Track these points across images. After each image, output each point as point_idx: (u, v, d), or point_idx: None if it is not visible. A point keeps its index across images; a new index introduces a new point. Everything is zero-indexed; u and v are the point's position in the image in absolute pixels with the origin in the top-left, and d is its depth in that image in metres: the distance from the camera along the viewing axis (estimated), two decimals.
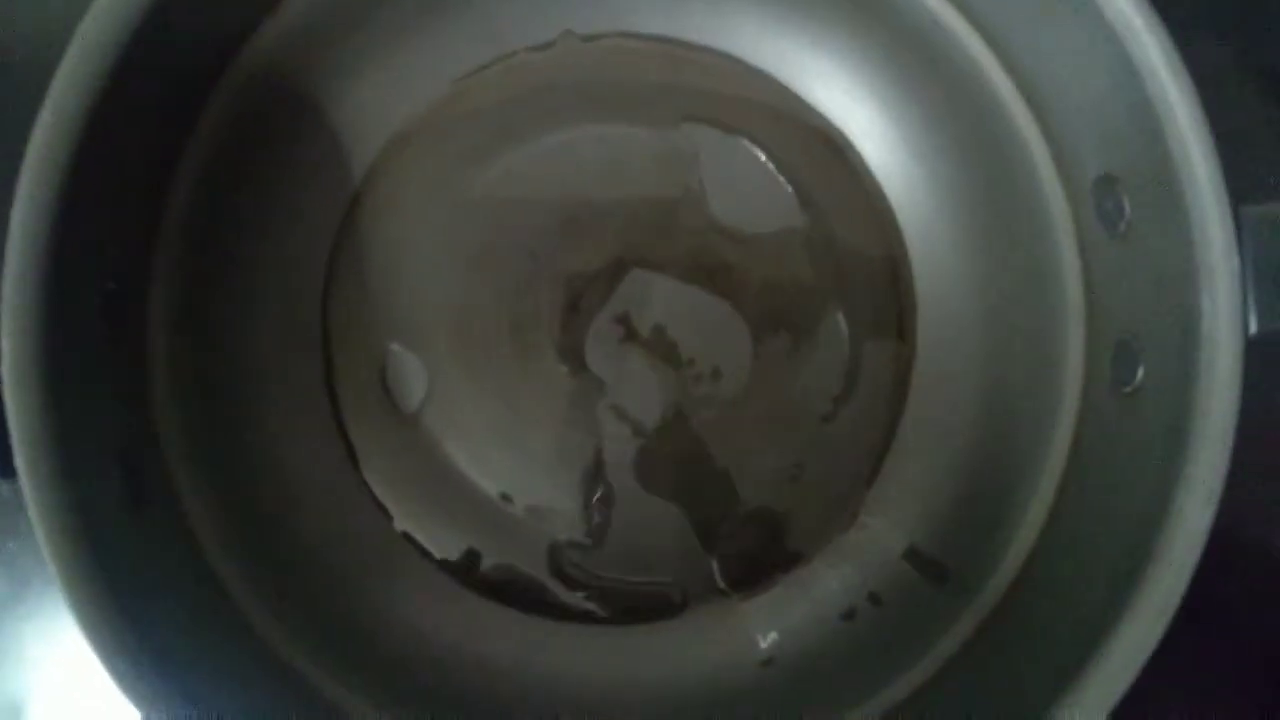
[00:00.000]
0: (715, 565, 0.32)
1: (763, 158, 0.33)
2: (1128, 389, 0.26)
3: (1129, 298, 0.26)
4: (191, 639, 0.25)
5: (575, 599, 0.31)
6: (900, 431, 0.32)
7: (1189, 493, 0.23)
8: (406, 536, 0.31)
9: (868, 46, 0.32)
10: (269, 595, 0.28)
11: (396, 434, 0.32)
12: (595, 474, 0.32)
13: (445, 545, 0.31)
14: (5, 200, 0.22)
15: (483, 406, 0.32)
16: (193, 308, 0.29)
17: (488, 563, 0.31)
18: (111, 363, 0.26)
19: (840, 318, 0.32)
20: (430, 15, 0.31)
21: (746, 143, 0.33)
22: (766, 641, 0.31)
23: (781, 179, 0.33)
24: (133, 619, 0.23)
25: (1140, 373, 0.26)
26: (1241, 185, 0.23)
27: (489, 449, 0.32)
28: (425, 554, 0.31)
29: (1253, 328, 0.23)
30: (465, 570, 0.31)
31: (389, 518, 0.31)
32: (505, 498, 0.32)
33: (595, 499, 0.32)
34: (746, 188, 0.33)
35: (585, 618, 0.31)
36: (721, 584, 0.32)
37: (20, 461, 0.22)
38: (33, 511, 0.22)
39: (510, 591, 0.31)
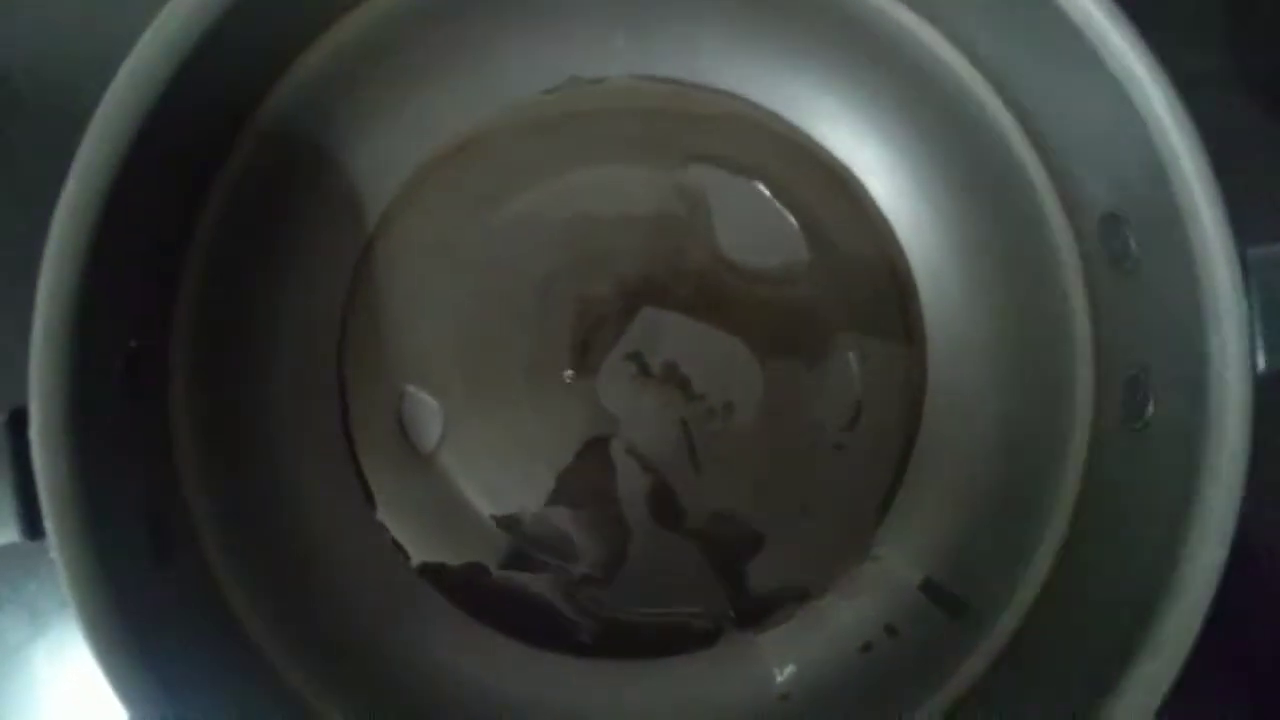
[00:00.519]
0: (730, 599, 0.32)
1: (770, 195, 0.33)
2: (1138, 424, 0.26)
3: (1138, 333, 0.27)
4: (215, 684, 0.25)
5: (591, 634, 0.31)
6: (911, 464, 0.32)
7: (1201, 531, 0.23)
8: (423, 573, 0.31)
9: (875, 87, 0.32)
10: (290, 639, 0.28)
11: (413, 474, 0.32)
12: (610, 510, 0.32)
13: (461, 581, 0.31)
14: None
15: (498, 445, 0.32)
16: (211, 360, 0.29)
17: (503, 598, 0.31)
18: (134, 420, 0.26)
19: (850, 351, 0.33)
20: (439, 65, 0.32)
21: (754, 181, 0.33)
22: (784, 675, 0.31)
23: (789, 216, 0.33)
24: (157, 666, 0.23)
25: (1150, 408, 0.26)
26: (1247, 225, 0.23)
27: (504, 486, 0.32)
28: (442, 590, 0.31)
29: (1261, 365, 0.23)
30: (481, 605, 0.31)
31: (406, 556, 0.31)
32: (520, 534, 0.32)
33: (610, 534, 0.32)
34: (754, 225, 0.33)
35: (601, 652, 0.31)
36: (737, 618, 0.32)
37: (49, 523, 0.22)
38: (61, 568, 0.22)
39: (526, 626, 0.31)
